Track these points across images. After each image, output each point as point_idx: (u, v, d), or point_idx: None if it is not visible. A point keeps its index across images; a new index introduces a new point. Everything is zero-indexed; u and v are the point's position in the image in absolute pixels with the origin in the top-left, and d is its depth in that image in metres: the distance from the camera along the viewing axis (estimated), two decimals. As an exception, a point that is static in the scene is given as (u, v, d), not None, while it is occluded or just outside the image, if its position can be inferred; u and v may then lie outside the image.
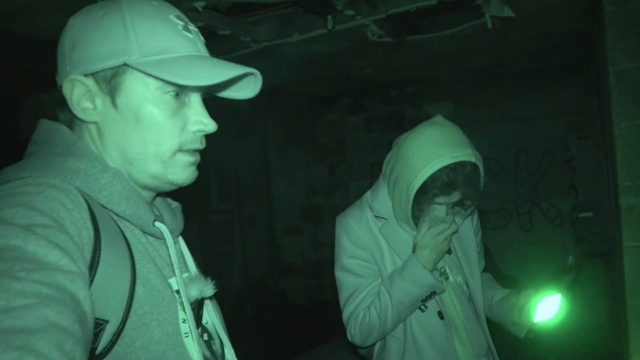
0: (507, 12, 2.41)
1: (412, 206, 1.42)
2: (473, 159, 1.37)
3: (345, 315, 1.54)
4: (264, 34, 2.78)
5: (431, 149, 1.37)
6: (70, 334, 0.52)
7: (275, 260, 5.79)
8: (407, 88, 5.05)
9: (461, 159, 1.35)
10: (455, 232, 1.50)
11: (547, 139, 4.50)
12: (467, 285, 1.57)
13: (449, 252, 1.54)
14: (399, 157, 1.44)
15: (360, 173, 5.43)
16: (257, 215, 5.64)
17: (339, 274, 1.55)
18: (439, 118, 1.48)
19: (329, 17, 2.36)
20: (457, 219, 1.52)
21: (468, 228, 1.60)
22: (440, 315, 1.50)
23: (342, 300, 1.55)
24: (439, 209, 1.44)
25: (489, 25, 2.61)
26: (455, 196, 1.42)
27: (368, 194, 1.60)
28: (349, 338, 1.55)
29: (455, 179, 1.37)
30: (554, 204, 4.61)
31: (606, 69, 2.14)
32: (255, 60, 3.11)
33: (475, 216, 1.66)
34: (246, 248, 5.41)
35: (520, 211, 4.74)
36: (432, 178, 1.37)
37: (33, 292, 0.52)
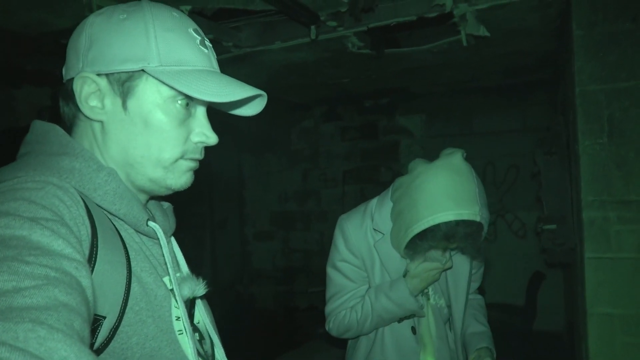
0: (483, 31, 2.50)
1: (408, 244, 1.41)
2: (478, 219, 1.30)
3: (327, 308, 1.59)
4: (246, 39, 2.80)
5: (438, 199, 1.31)
6: (78, 313, 0.53)
7: (246, 266, 5.75)
8: (382, 99, 5.11)
9: (465, 217, 1.30)
10: (449, 268, 1.52)
11: (514, 154, 4.61)
12: (447, 309, 1.59)
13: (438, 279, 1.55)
14: (407, 191, 1.40)
15: (333, 180, 5.46)
16: (228, 220, 5.58)
17: (329, 270, 1.60)
18: (457, 159, 1.38)
19: (313, 27, 2.40)
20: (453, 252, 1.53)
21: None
22: (413, 330, 1.55)
23: (327, 294, 1.60)
24: (434, 251, 1.46)
25: (464, 43, 2.70)
26: (453, 245, 1.41)
27: (374, 202, 1.57)
28: (327, 329, 1.61)
29: (455, 234, 1.33)
30: (517, 216, 4.73)
31: (573, 89, 2.22)
32: (235, 65, 3.12)
33: None
34: (216, 252, 5.34)
35: (485, 222, 4.87)
36: (432, 229, 1.33)
37: (41, 275, 0.53)
